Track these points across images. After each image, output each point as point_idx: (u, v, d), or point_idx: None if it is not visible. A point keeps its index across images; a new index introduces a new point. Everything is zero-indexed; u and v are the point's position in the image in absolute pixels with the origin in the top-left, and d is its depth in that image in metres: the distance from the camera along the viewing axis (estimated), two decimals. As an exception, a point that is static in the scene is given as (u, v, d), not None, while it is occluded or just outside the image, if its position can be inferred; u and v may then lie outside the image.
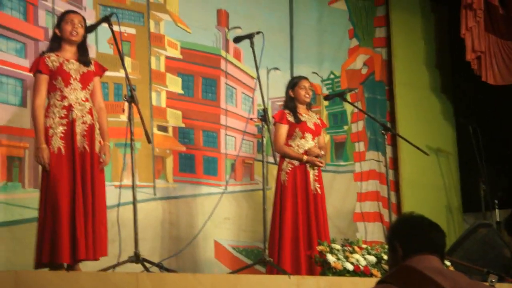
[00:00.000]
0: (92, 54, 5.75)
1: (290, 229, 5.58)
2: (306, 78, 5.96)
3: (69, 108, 4.53)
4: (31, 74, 4.68)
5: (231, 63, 6.88)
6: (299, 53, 7.50)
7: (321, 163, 5.81)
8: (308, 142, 5.80)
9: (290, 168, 5.71)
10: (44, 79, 4.54)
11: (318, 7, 7.81)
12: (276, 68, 7.24)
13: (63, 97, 4.54)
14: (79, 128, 4.52)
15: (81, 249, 4.35)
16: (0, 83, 5.32)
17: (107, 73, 5.57)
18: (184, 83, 6.52)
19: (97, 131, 4.63)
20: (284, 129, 5.78)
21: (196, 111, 6.57)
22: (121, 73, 5.78)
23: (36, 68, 4.55)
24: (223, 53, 6.82)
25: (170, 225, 6.15)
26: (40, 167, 4.55)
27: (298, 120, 5.78)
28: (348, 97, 6.33)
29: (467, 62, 7.94)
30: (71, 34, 4.62)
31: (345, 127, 7.79)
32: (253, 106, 6.94)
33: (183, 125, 6.44)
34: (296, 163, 5.73)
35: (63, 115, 4.52)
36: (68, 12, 4.76)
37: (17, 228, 5.00)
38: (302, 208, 5.64)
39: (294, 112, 5.80)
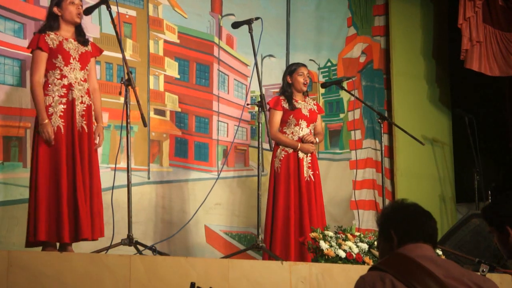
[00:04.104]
0: (96, 34, 5.75)
1: (282, 216, 5.59)
2: (304, 65, 5.93)
3: (69, 87, 4.53)
4: (29, 54, 4.65)
5: (224, 49, 6.86)
6: (296, 40, 7.47)
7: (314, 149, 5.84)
8: (302, 130, 5.79)
9: (283, 155, 5.71)
10: (43, 56, 4.52)
11: (315, -6, 7.79)
12: (271, 55, 7.22)
13: (63, 76, 4.54)
14: (78, 108, 4.53)
15: (85, 227, 4.37)
16: (-4, 63, 5.31)
17: (111, 54, 5.55)
18: (180, 67, 6.51)
19: (93, 112, 4.64)
20: (278, 115, 5.77)
21: (190, 96, 6.56)
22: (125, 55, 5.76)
23: (36, 45, 4.52)
24: (216, 40, 6.80)
25: (162, 209, 6.16)
26: (29, 146, 4.56)
27: (292, 107, 5.76)
28: (345, 85, 6.31)
29: (464, 52, 7.94)
30: (77, 16, 4.61)
31: (341, 115, 7.78)
32: (247, 92, 6.92)
33: (179, 110, 6.44)
34: (290, 150, 5.73)
35: (62, 94, 4.52)
36: None
37: (16, 207, 5.00)
38: (295, 195, 5.65)
39: (290, 99, 5.79)
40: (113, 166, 4.77)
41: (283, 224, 5.58)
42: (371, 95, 8.01)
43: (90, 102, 4.63)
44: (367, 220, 7.65)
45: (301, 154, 5.74)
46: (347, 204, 7.57)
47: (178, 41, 6.50)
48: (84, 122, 4.55)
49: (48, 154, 4.43)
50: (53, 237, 4.38)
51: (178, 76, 6.48)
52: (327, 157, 7.50)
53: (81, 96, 4.58)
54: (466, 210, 7.56)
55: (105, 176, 5.45)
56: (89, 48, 4.73)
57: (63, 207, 4.36)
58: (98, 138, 4.69)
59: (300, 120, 5.78)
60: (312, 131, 5.87)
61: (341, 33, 7.93)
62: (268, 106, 5.77)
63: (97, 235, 4.54)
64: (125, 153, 4.68)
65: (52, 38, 4.56)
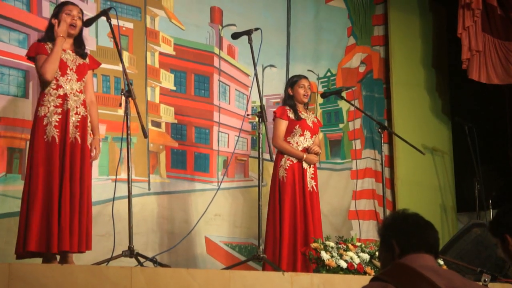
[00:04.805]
0: (92, 47, 5.76)
1: (288, 226, 5.59)
2: (305, 77, 5.97)
3: (64, 97, 4.52)
4: (33, 65, 4.65)
5: (225, 60, 6.87)
6: (296, 50, 7.49)
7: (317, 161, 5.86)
8: (307, 140, 5.81)
9: (288, 165, 5.72)
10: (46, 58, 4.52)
11: (315, 4, 7.81)
12: (272, 66, 7.24)
13: (59, 86, 4.53)
14: (72, 119, 4.51)
15: (65, 240, 4.33)
16: (1, 74, 5.30)
17: (108, 66, 5.54)
18: (177, 79, 6.52)
19: (88, 124, 4.63)
20: (284, 125, 5.79)
21: (188, 107, 6.56)
22: (121, 67, 5.77)
23: (36, 52, 4.53)
24: (216, 50, 6.81)
25: (163, 220, 6.15)
26: (26, 158, 4.55)
27: (298, 117, 5.80)
28: (345, 95, 6.34)
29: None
30: (70, 27, 4.60)
31: (341, 125, 7.79)
32: (248, 103, 6.93)
33: (175, 121, 6.44)
34: (295, 160, 5.74)
35: (58, 104, 4.50)
36: (66, 3, 4.73)
37: (15, 220, 4.99)
38: (300, 205, 5.65)
39: (295, 110, 5.82)
40: (113, 177, 4.75)
41: (290, 235, 5.58)
42: (371, 104, 8.03)
43: (86, 113, 4.61)
44: (367, 230, 7.64)
45: (305, 165, 5.75)
46: (346, 214, 7.57)
47: (174, 53, 6.51)
48: (78, 133, 4.52)
49: (42, 164, 4.40)
50: (43, 247, 4.35)
51: (174, 88, 6.48)
52: (327, 167, 7.50)
53: (76, 107, 4.56)
54: (467, 220, 7.55)
55: (105, 188, 5.45)
56: (86, 60, 4.73)
57: (54, 217, 4.33)
58: (94, 151, 4.67)
59: (305, 131, 5.81)
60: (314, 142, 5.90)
61: (341, 43, 7.96)
62: (273, 115, 5.81)
63: (83, 248, 4.47)
64: (125, 164, 4.67)
65: (50, 48, 4.57)
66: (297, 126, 5.79)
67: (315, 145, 5.86)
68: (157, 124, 6.31)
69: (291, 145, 5.78)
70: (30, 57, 4.61)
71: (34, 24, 5.53)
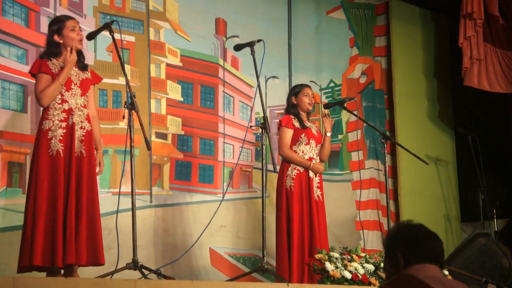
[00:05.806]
0: (90, 61, 5.76)
1: (297, 237, 5.57)
2: (309, 86, 5.99)
3: (69, 112, 4.52)
4: (32, 80, 4.65)
5: (229, 71, 6.89)
6: (298, 62, 7.51)
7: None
8: (312, 149, 5.81)
9: (295, 174, 5.70)
10: (48, 78, 4.50)
11: (316, 16, 7.83)
12: (275, 77, 7.25)
13: (64, 101, 4.53)
14: (77, 133, 4.51)
15: (71, 253, 4.31)
16: (2, 88, 5.32)
17: (107, 80, 5.55)
18: (184, 90, 6.53)
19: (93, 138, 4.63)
20: (289, 133, 5.78)
21: (195, 118, 6.57)
22: (120, 81, 5.80)
23: (39, 70, 4.52)
24: (221, 62, 6.83)
25: (165, 233, 6.15)
26: (28, 172, 4.55)
27: (303, 126, 5.80)
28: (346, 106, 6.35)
29: (466, 71, 7.95)
30: (79, 42, 4.60)
31: (340, 136, 7.77)
32: (251, 114, 6.94)
33: (182, 133, 6.45)
34: (301, 169, 5.73)
35: (62, 118, 4.50)
36: (66, 18, 4.71)
37: (16, 234, 4.99)
38: (307, 215, 5.64)
39: (299, 118, 5.82)
40: (113, 190, 4.75)
41: (299, 245, 5.56)
42: (372, 115, 8.02)
43: (90, 128, 4.61)
44: (372, 241, 7.62)
45: (311, 174, 5.74)
46: (351, 225, 7.54)
47: (180, 64, 6.52)
48: (83, 147, 4.52)
49: (47, 177, 4.40)
50: (47, 261, 4.33)
51: (182, 99, 6.50)
52: (325, 178, 7.47)
53: (81, 122, 4.56)
54: (471, 229, 7.54)
55: (105, 201, 5.44)
56: (89, 75, 4.73)
57: (59, 231, 4.33)
58: (99, 166, 4.67)
59: (310, 140, 5.81)
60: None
61: (344, 54, 7.97)
62: (278, 124, 5.83)
63: (100, 260, 4.45)
64: (127, 177, 4.67)
65: (53, 63, 4.56)
66: (303, 135, 5.78)
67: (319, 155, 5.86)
68: (162, 136, 6.31)
69: (297, 154, 5.77)
70: (33, 74, 4.60)
71: (32, 39, 5.54)
